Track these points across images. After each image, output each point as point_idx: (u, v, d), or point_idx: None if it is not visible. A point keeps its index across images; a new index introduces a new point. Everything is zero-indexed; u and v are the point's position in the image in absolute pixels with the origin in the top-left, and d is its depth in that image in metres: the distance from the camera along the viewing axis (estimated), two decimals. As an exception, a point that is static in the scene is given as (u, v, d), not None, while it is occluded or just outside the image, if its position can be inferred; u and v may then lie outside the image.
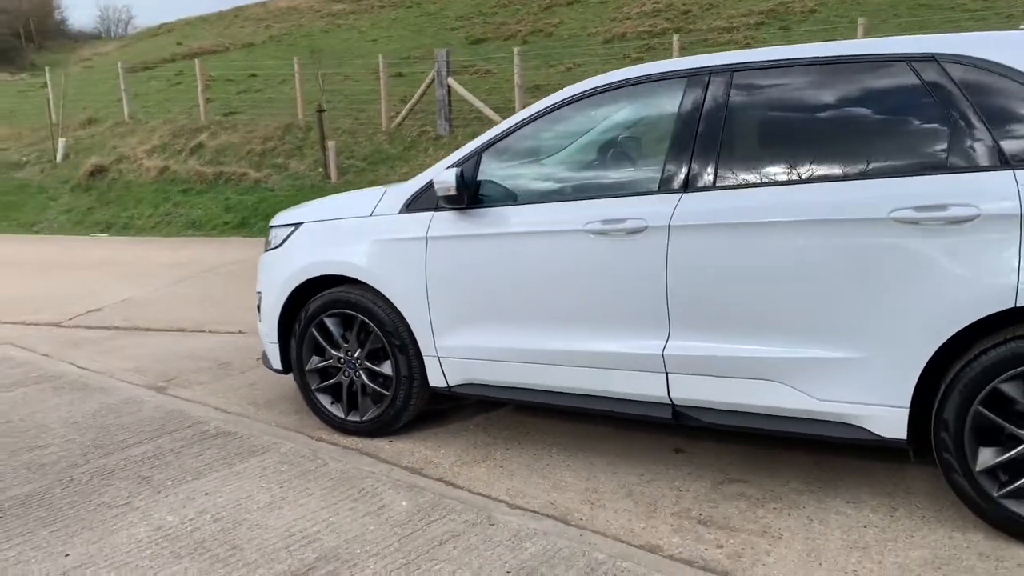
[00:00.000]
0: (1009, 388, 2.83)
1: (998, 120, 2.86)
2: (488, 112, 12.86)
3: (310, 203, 4.61)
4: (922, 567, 2.84)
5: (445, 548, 3.11)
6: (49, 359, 6.19)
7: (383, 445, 4.16)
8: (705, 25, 17.52)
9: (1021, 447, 2.86)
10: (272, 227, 4.53)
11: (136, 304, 7.98)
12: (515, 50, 13.13)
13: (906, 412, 2.99)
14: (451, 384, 3.94)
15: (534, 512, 3.40)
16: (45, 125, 17.49)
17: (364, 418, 4.19)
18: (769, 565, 2.92)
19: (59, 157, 16.18)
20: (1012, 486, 2.89)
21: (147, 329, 7.03)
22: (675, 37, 14.13)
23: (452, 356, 3.88)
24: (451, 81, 13.20)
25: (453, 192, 3.62)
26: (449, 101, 13.32)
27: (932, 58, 2.98)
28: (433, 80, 13.28)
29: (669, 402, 3.44)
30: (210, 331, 6.76)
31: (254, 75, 20.68)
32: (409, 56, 19.35)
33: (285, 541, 3.24)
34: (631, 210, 3.37)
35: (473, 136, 10.68)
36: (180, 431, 4.48)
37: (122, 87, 17.94)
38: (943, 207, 2.84)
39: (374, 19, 26.03)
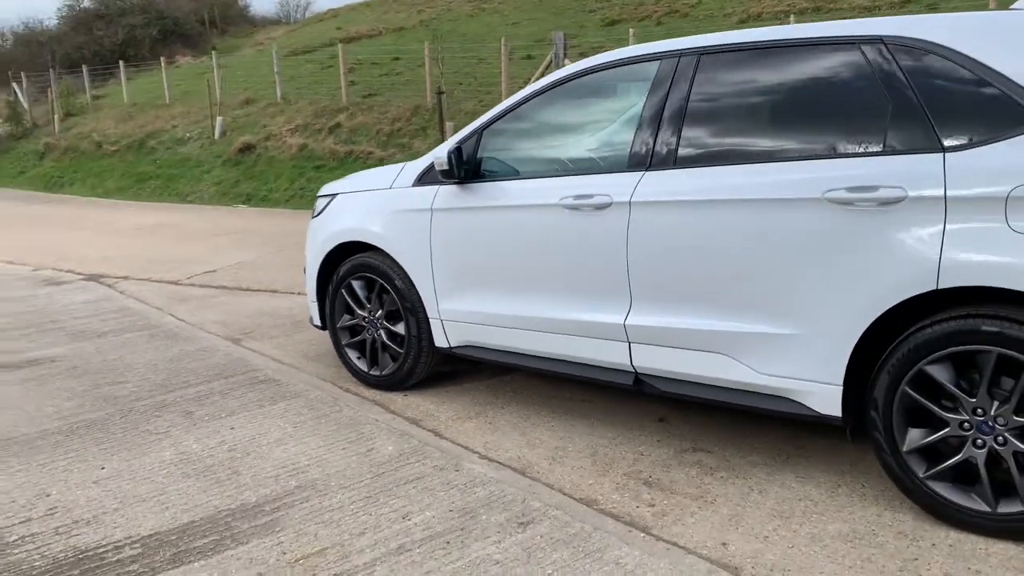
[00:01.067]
0: (934, 371, 2.84)
1: (935, 103, 2.85)
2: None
3: (350, 176, 5.05)
4: (834, 539, 2.91)
5: (407, 487, 3.46)
6: (158, 311, 7.02)
7: (396, 398, 4.56)
8: (847, 4, 16.77)
9: (946, 430, 2.87)
10: (318, 197, 5.00)
11: (245, 267, 8.79)
12: (631, 31, 13.19)
13: (840, 390, 3.05)
14: (452, 345, 4.27)
15: (499, 463, 3.68)
16: (216, 105, 19.11)
17: (383, 373, 4.60)
18: (687, 525, 3.07)
19: (217, 134, 17.66)
20: (936, 468, 2.91)
21: (247, 289, 7.78)
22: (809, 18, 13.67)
23: (452, 319, 4.21)
24: (567, 63, 13.41)
25: (446, 167, 3.94)
26: (566, 84, 13.53)
27: (880, 40, 2.99)
28: (551, 62, 13.54)
29: (632, 370, 3.62)
30: (297, 293, 7.40)
31: (397, 58, 21.63)
32: (544, 39, 19.64)
33: (277, 471, 3.69)
34: (599, 186, 3.57)
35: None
36: (235, 376, 5.06)
37: (276, 70, 19.29)
38: (874, 188, 2.88)
39: (518, 3, 26.46)
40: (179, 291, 7.83)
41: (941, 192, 2.75)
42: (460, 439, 3.97)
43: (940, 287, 2.77)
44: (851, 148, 3.01)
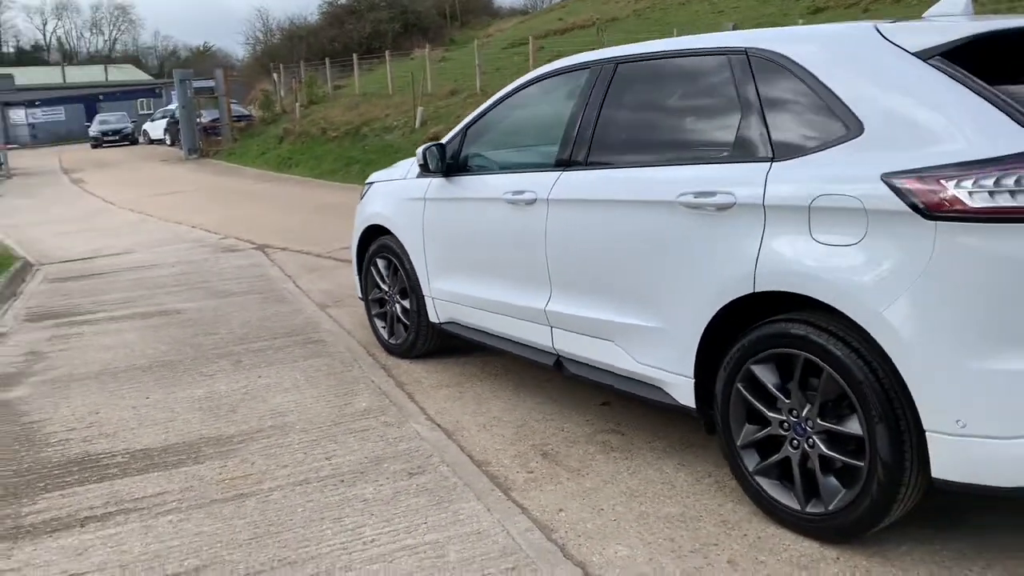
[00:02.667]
0: (759, 370, 2.97)
1: (774, 114, 2.96)
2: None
3: (391, 166, 5.69)
4: (660, 518, 3.12)
5: (349, 436, 4.05)
6: (285, 279, 8.10)
7: (402, 364, 5.15)
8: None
9: (768, 428, 2.99)
10: (365, 184, 5.69)
11: (379, 245, 9.75)
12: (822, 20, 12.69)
13: (692, 382, 3.24)
14: (440, 321, 4.79)
15: (437, 425, 4.16)
16: (420, 95, 20.65)
17: (396, 342, 5.22)
18: (544, 491, 3.40)
19: (418, 123, 19.12)
20: (762, 464, 3.04)
21: (367, 265, 8.70)
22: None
23: (438, 298, 4.73)
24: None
25: (420, 163, 4.46)
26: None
27: (744, 52, 3.12)
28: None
29: (554, 352, 3.96)
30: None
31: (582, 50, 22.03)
32: (741, 27, 19.23)
33: (265, 413, 4.42)
34: (531, 183, 3.93)
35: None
36: (297, 336, 5.90)
37: (476, 62, 20.45)
38: (712, 194, 3.05)
39: (729, -9, 25.86)
40: (315, 262, 8.90)
41: (760, 200, 2.88)
42: (424, 403, 4.49)
43: (756, 291, 2.90)
44: (707, 154, 3.18)
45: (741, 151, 3.03)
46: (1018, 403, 2.38)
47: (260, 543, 3.08)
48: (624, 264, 3.43)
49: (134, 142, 40.61)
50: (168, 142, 35.73)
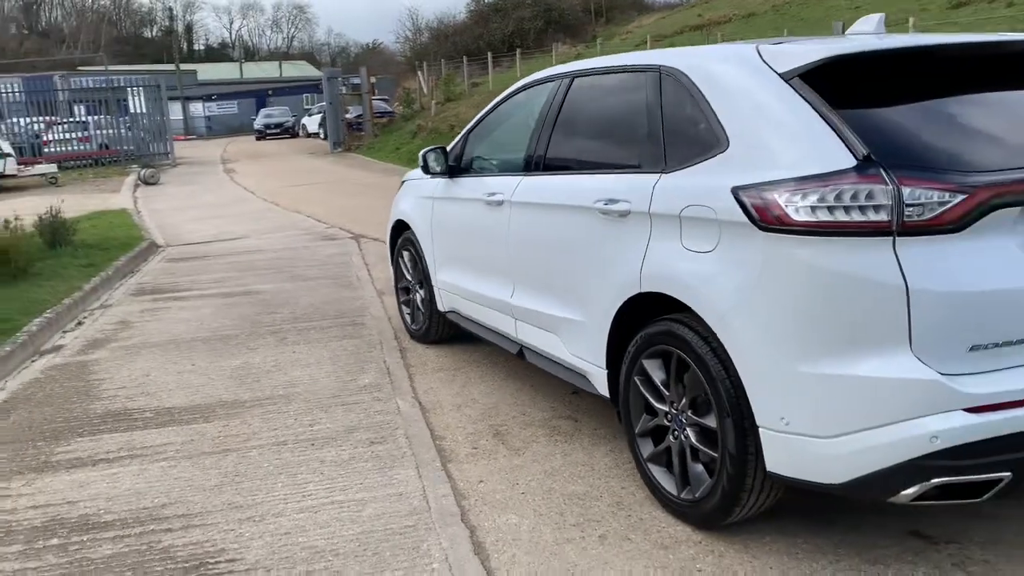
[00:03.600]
0: (648, 365, 3.23)
1: (670, 127, 3.19)
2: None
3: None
4: (561, 495, 3.41)
5: (339, 408, 4.55)
6: (362, 267, 8.76)
7: (419, 348, 5.62)
8: None
9: (657, 419, 3.24)
10: (401, 181, 6.19)
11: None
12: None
13: (605, 373, 3.52)
14: (444, 310, 5.22)
15: (419, 403, 4.59)
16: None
17: (416, 327, 5.70)
18: (476, 464, 3.77)
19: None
20: (652, 452, 3.29)
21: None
22: None
23: (442, 288, 5.16)
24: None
25: (421, 166, 4.90)
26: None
27: (657, 70, 3.36)
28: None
29: (517, 342, 4.30)
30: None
31: (723, 47, 21.73)
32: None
33: (281, 384, 5.00)
34: (502, 186, 4.28)
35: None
36: (344, 318, 6.49)
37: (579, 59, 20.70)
38: (616, 201, 3.32)
39: (871, -16, 24.74)
40: (396, 253, 9.51)
41: (647, 208, 3.13)
42: (419, 382, 4.93)
43: (642, 291, 3.16)
44: (622, 164, 3.44)
45: (644, 162, 3.28)
46: (834, 406, 2.54)
47: (220, 490, 3.61)
48: (561, 263, 3.74)
49: (294, 135, 43.24)
50: (322, 136, 37.90)
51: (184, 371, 5.34)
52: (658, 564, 2.88)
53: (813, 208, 2.51)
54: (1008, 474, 2.45)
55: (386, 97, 36.14)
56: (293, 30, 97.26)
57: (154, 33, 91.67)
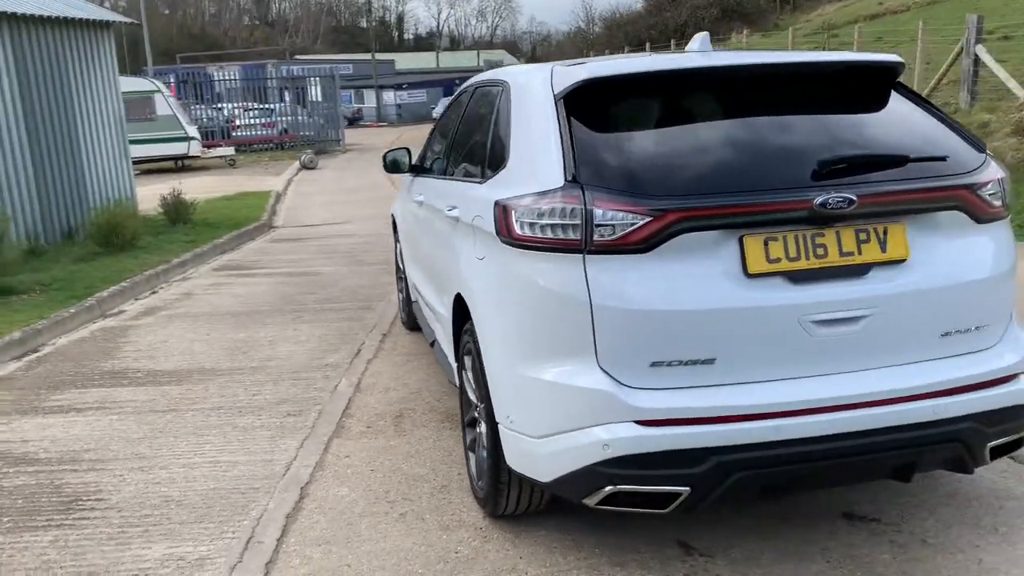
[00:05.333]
0: (465, 361, 3.47)
1: (495, 139, 3.39)
2: (1012, 85, 11.33)
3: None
4: (403, 475, 3.69)
5: (290, 381, 5.05)
6: (424, 254, 9.28)
7: (402, 334, 6.03)
8: None
9: (471, 411, 3.48)
10: (410, 178, 6.60)
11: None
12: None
13: (456, 367, 3.78)
14: (413, 300, 5.60)
15: (357, 383, 5.00)
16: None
17: (402, 315, 6.12)
18: (359, 443, 4.12)
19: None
20: (469, 440, 3.53)
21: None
22: None
23: (408, 279, 5.54)
24: (978, 50, 11.91)
25: (383, 164, 5.27)
26: (975, 72, 12.07)
27: (502, 84, 3.55)
28: (962, 49, 12.19)
29: (432, 333, 4.62)
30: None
31: (880, 38, 20.48)
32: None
33: (264, 356, 5.59)
34: (424, 187, 4.60)
35: (990, 110, 10.37)
36: (363, 302, 7.03)
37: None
38: (453, 208, 3.57)
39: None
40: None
41: (466, 216, 3.37)
42: (374, 365, 5.34)
43: (459, 292, 3.41)
44: (470, 172, 3.67)
45: (480, 172, 3.50)
46: (541, 408, 2.70)
47: (139, 443, 4.20)
48: (435, 260, 4.03)
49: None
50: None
51: (196, 340, 6.05)
52: (426, 542, 3.13)
53: (531, 224, 2.67)
54: (687, 489, 2.52)
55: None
56: (497, 19, 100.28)
57: (369, 23, 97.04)
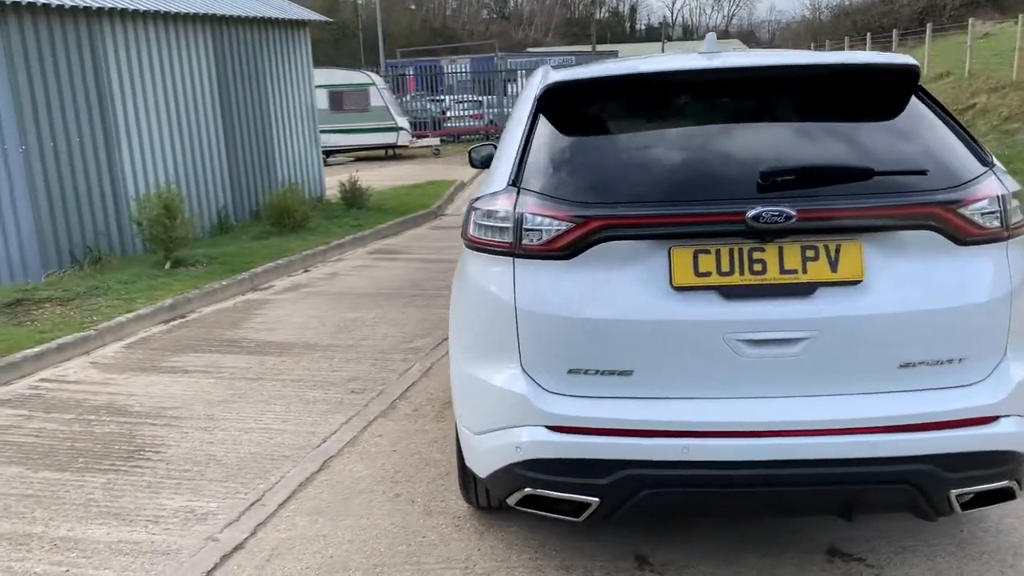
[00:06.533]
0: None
1: (502, 138, 3.44)
2: None
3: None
4: (416, 459, 3.87)
5: (367, 363, 5.40)
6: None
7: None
8: None
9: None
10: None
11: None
12: None
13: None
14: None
15: (428, 367, 5.25)
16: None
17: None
18: (399, 423, 4.33)
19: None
20: (467, 433, 3.63)
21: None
22: None
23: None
24: None
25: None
26: None
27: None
28: None
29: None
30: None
31: None
32: None
33: (357, 337, 5.98)
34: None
35: None
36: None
37: (968, 43, 18.27)
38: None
39: None
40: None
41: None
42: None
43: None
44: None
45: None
46: (478, 406, 2.76)
47: (215, 405, 4.68)
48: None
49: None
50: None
51: (314, 316, 6.56)
52: (403, 524, 3.29)
53: (478, 225, 2.74)
54: (597, 500, 2.50)
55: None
56: (734, 8, 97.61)
57: (602, 15, 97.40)
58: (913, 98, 2.71)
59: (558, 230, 2.50)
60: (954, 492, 2.42)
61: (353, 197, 11.77)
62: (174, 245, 7.92)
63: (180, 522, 3.35)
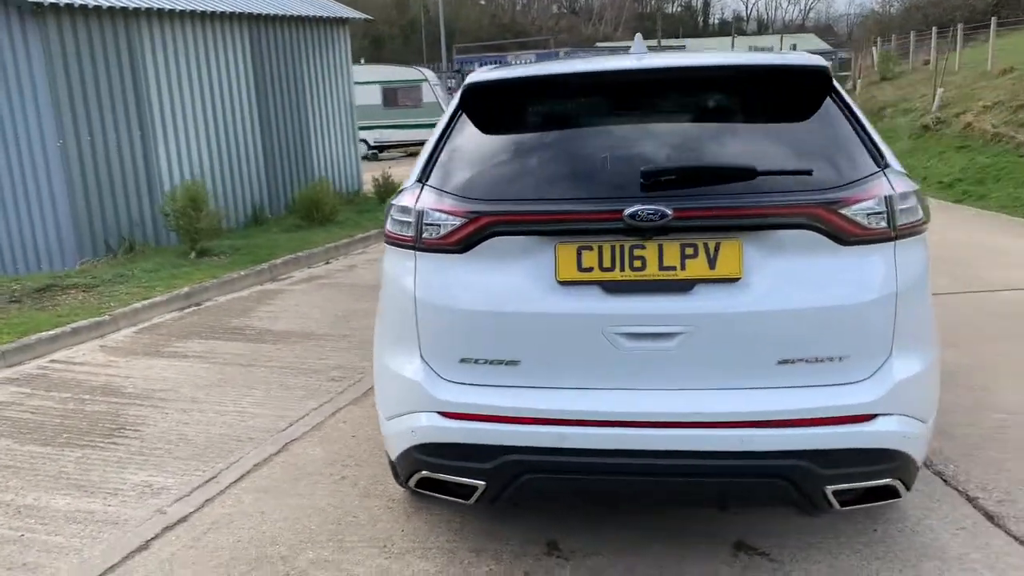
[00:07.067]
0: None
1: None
2: None
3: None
4: (375, 444, 4.07)
5: (359, 349, 5.59)
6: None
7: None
8: None
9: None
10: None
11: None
12: None
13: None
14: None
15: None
16: (943, 73, 18.64)
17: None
18: (366, 408, 4.53)
19: (934, 106, 17.52)
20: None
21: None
22: None
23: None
24: None
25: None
26: None
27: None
28: None
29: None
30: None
31: None
32: None
33: (361, 320, 6.17)
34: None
35: None
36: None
37: (1031, 37, 17.55)
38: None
39: None
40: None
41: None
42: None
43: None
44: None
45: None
46: (387, 392, 2.89)
47: (202, 388, 4.91)
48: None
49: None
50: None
51: (318, 307, 6.79)
52: (339, 505, 3.43)
53: (392, 220, 2.87)
54: (483, 483, 2.61)
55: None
56: (812, 1, 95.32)
57: (674, 9, 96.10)
58: (822, 100, 2.73)
59: (453, 225, 2.61)
60: (830, 488, 2.46)
61: (386, 191, 12.01)
62: (199, 236, 8.25)
63: (136, 495, 3.57)
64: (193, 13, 9.59)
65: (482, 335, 2.59)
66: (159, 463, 3.89)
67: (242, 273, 7.72)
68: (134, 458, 3.96)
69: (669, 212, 2.41)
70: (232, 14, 10.16)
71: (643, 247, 2.49)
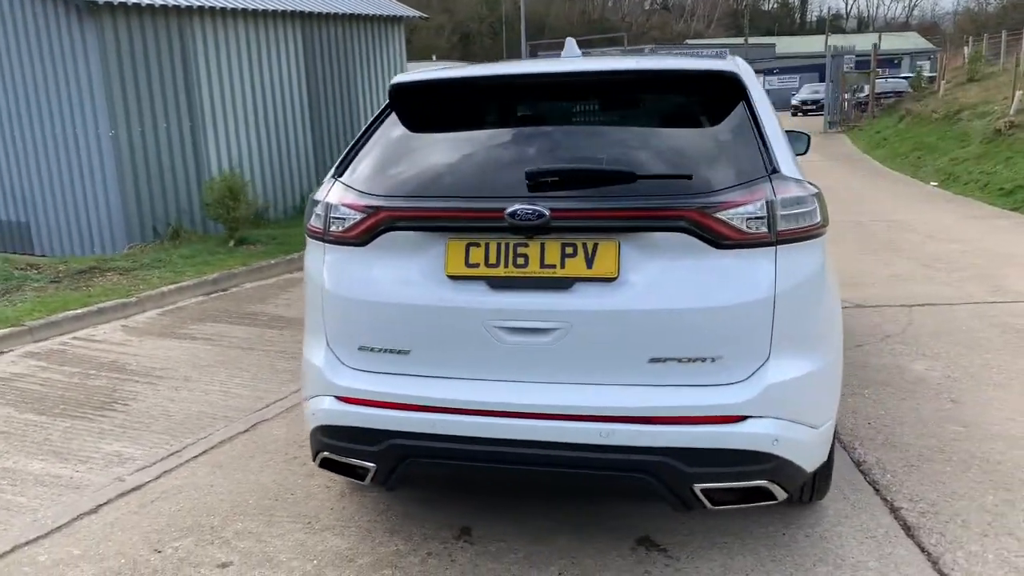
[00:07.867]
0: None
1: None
2: None
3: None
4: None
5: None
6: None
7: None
8: None
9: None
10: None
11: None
12: None
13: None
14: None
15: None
16: (1015, 76, 17.81)
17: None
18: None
19: (1012, 109, 16.77)
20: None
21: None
22: None
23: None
24: None
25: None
26: None
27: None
28: None
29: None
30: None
31: None
32: None
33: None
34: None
35: None
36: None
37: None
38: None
39: None
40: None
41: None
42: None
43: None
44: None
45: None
46: (304, 376, 3.04)
47: (198, 368, 5.19)
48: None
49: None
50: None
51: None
52: (282, 483, 3.60)
53: (311, 213, 3.02)
54: (373, 465, 2.75)
55: (909, 75, 33.25)
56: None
57: (770, 6, 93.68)
58: (727, 105, 2.76)
59: (354, 219, 2.75)
60: (698, 486, 2.51)
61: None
62: (236, 225, 8.62)
63: (104, 464, 3.84)
64: (245, 11, 10.00)
65: (378, 325, 2.72)
66: (135, 436, 4.15)
67: (272, 262, 8.04)
68: (115, 430, 4.23)
69: (547, 212, 2.49)
70: (284, 12, 10.54)
71: (526, 245, 2.57)
